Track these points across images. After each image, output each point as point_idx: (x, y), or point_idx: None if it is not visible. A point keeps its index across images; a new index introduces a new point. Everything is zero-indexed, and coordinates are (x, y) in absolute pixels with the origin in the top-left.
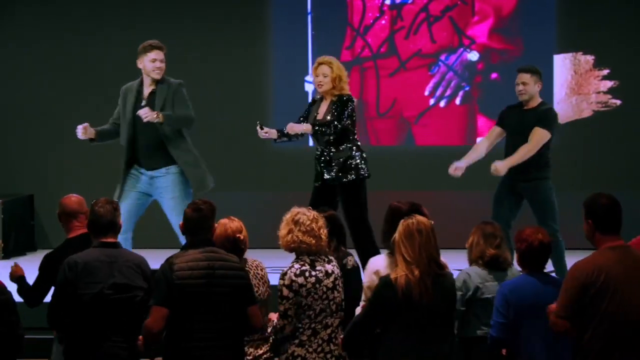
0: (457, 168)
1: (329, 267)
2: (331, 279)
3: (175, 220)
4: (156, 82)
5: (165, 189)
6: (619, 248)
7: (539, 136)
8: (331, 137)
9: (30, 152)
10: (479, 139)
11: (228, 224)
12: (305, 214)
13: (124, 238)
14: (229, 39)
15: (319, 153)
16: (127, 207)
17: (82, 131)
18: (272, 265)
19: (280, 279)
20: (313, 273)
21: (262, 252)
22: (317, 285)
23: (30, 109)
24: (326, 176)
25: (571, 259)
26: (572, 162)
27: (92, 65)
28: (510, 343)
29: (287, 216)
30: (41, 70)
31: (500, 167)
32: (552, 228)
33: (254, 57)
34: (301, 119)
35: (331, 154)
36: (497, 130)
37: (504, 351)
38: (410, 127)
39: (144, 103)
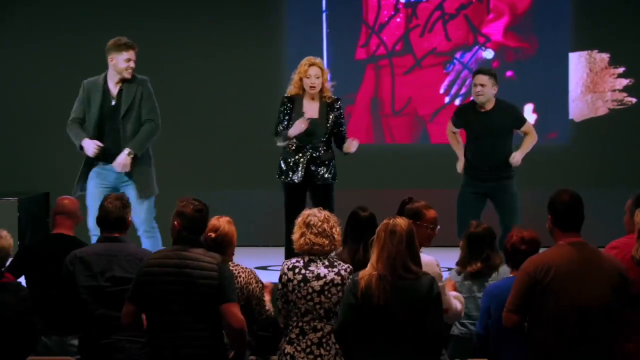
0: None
1: (322, 271)
2: (320, 282)
3: (141, 210)
4: (123, 79)
5: (127, 181)
6: (574, 244)
7: (531, 127)
8: (326, 138)
9: (46, 151)
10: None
11: (210, 221)
12: (316, 215)
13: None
14: (243, 38)
15: (305, 151)
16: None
17: (94, 148)
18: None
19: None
20: (302, 271)
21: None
22: (302, 285)
23: (45, 107)
24: (326, 175)
25: None
26: (587, 159)
27: (105, 64)
28: (492, 344)
29: (299, 219)
30: (56, 68)
31: (519, 157)
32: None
33: (269, 56)
34: (286, 117)
35: (321, 153)
36: (454, 129)
37: None
38: (425, 125)
39: (113, 102)
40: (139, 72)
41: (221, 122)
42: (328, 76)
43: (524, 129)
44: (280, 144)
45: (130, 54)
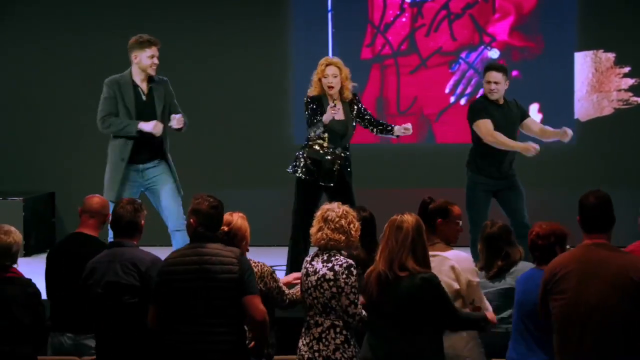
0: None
1: (319, 266)
2: (315, 277)
3: (173, 206)
4: (149, 77)
5: (161, 177)
6: (592, 246)
7: None
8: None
9: (51, 150)
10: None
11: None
12: (334, 211)
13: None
14: (249, 37)
15: (339, 153)
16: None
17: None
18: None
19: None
20: (307, 266)
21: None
22: (305, 278)
23: (50, 107)
24: (347, 178)
25: None
26: (593, 159)
27: (113, 63)
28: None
29: (318, 213)
30: (63, 68)
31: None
32: (528, 225)
33: (274, 55)
34: (318, 111)
35: (347, 154)
36: (490, 122)
37: None
38: (431, 125)
39: (144, 98)
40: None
41: (225, 122)
42: (349, 74)
43: (529, 120)
44: (313, 133)
45: (153, 50)
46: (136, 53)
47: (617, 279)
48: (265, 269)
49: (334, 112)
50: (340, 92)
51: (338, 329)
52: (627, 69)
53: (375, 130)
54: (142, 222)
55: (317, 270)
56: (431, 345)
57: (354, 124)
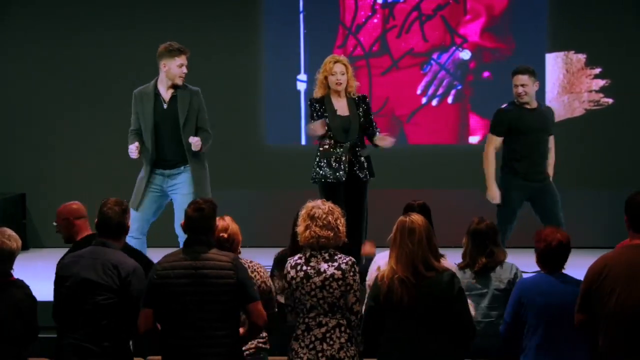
0: (496, 198)
1: (323, 266)
2: (321, 277)
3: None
4: (175, 86)
5: (181, 186)
6: (636, 246)
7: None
8: (360, 133)
9: (23, 152)
10: (471, 139)
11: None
12: (320, 208)
13: (140, 242)
14: (221, 38)
15: (347, 150)
16: (147, 211)
17: (136, 151)
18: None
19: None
20: (304, 268)
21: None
22: (305, 281)
23: (23, 109)
24: (361, 174)
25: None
26: (564, 161)
27: (85, 66)
28: (521, 339)
29: (302, 212)
30: (35, 70)
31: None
32: (563, 224)
33: (246, 56)
34: (318, 116)
35: (358, 151)
36: (499, 140)
37: None
38: (403, 126)
39: (165, 106)
40: (123, 74)
41: None
42: (352, 73)
43: (551, 137)
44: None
45: (182, 59)
46: (165, 61)
47: None
48: (264, 272)
49: (317, 132)
50: (346, 89)
51: (343, 328)
52: (598, 70)
53: (368, 137)
54: (128, 223)
55: (323, 270)
56: (454, 345)
57: (361, 120)
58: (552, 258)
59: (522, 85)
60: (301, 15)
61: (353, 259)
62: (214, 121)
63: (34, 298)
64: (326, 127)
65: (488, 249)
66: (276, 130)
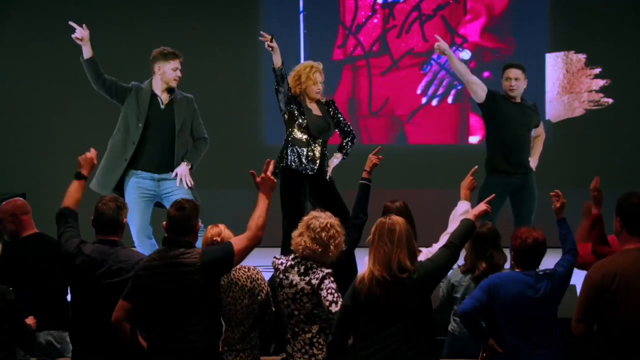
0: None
1: (295, 279)
2: (292, 290)
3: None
4: (170, 90)
5: (178, 191)
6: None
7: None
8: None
9: (23, 151)
10: (471, 139)
11: (209, 230)
12: (319, 220)
13: (148, 245)
14: (221, 38)
15: (317, 146)
16: (145, 216)
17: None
18: (263, 264)
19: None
20: (281, 276)
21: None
22: (279, 289)
23: (22, 108)
24: (329, 174)
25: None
26: (564, 160)
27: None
28: (495, 336)
29: (305, 218)
30: (34, 69)
31: (534, 164)
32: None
33: (246, 56)
34: (301, 120)
35: (327, 151)
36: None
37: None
38: (403, 126)
39: (162, 106)
40: (120, 73)
41: None
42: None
43: (539, 128)
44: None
45: (176, 63)
46: (160, 64)
47: None
48: (264, 282)
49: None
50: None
51: (327, 331)
52: (597, 70)
53: (341, 136)
54: (125, 220)
55: (294, 283)
56: (430, 345)
57: (334, 121)
58: (527, 256)
59: (516, 79)
60: (301, 15)
61: (327, 272)
62: (213, 121)
63: (13, 303)
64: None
65: (488, 253)
66: (276, 130)
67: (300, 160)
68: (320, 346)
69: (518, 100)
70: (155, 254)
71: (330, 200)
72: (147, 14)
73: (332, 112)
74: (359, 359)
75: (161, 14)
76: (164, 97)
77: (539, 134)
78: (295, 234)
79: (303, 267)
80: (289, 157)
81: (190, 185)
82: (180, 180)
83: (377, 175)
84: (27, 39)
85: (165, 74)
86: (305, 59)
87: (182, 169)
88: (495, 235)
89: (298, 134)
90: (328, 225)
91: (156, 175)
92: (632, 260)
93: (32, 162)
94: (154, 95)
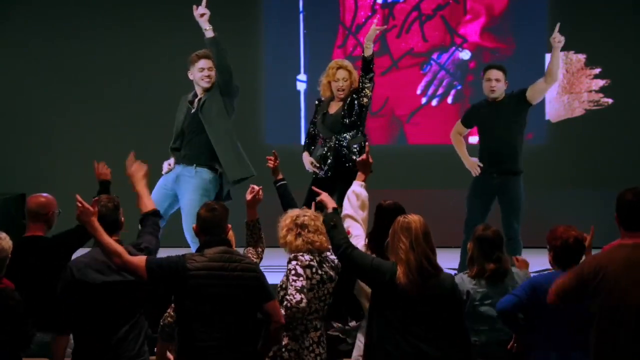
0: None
1: (333, 274)
2: (333, 284)
3: (186, 221)
4: (206, 90)
5: (187, 186)
6: (632, 246)
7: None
8: (347, 121)
9: (22, 151)
10: (470, 139)
11: None
12: (306, 215)
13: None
14: (221, 38)
15: (330, 143)
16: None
17: (168, 167)
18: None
19: (292, 261)
20: (320, 272)
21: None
22: (320, 285)
23: (22, 108)
24: (348, 164)
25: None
26: (564, 160)
27: (85, 66)
28: (529, 337)
29: (287, 221)
30: (34, 70)
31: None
32: (512, 225)
33: (246, 56)
34: (315, 120)
35: (348, 141)
36: (461, 127)
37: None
38: (402, 126)
39: (192, 111)
40: (121, 74)
41: None
42: (357, 76)
43: (536, 84)
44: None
45: (203, 63)
46: (190, 70)
47: None
48: None
49: (311, 168)
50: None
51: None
52: (597, 70)
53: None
54: (122, 218)
55: (332, 277)
56: (462, 345)
57: (345, 119)
58: (568, 255)
59: (496, 80)
60: (301, 15)
61: (339, 264)
62: None
63: (20, 304)
64: (314, 165)
65: (495, 256)
66: (276, 130)
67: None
68: (324, 345)
69: (499, 99)
70: (211, 253)
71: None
72: (147, 14)
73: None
74: (386, 355)
75: (161, 14)
76: (195, 101)
77: (538, 83)
78: (289, 239)
79: (330, 261)
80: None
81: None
82: None
83: (376, 175)
84: (27, 39)
85: (195, 76)
86: (305, 59)
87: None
88: (500, 238)
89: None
90: (315, 215)
91: (178, 168)
92: (620, 255)
93: (31, 162)
94: (190, 102)
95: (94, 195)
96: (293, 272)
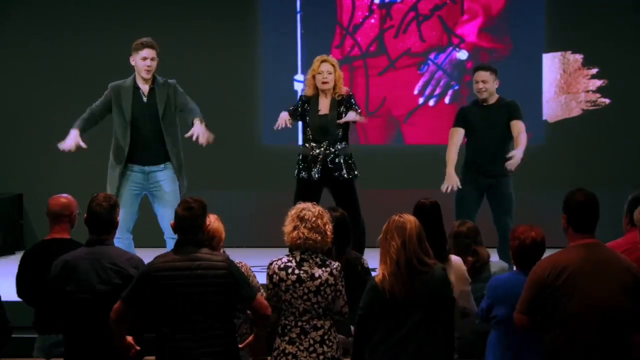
0: (454, 183)
1: (318, 271)
2: (316, 282)
3: (169, 214)
4: (152, 79)
5: (165, 183)
6: (588, 246)
7: (523, 126)
8: (340, 133)
9: (20, 152)
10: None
11: None
12: (311, 210)
13: (126, 239)
14: (219, 39)
15: (322, 149)
16: (130, 209)
17: (73, 143)
18: (260, 264)
19: (267, 267)
20: (296, 271)
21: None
22: (297, 285)
23: (20, 108)
24: (344, 171)
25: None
26: (561, 160)
27: (84, 66)
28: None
29: (292, 212)
30: (34, 69)
31: (518, 157)
32: (507, 225)
33: (244, 56)
34: (297, 113)
35: (338, 149)
36: (460, 131)
37: None
38: (400, 126)
39: (145, 100)
40: (119, 73)
41: None
42: (342, 75)
43: (513, 122)
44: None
45: (147, 52)
46: (133, 56)
47: (624, 277)
48: (249, 270)
49: (282, 123)
50: (334, 89)
51: (334, 329)
52: (594, 70)
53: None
54: (117, 218)
55: (317, 275)
56: (448, 345)
57: (340, 120)
58: (525, 256)
59: (483, 82)
60: (298, 16)
61: (340, 265)
62: (211, 121)
63: None
64: (288, 123)
65: (471, 249)
66: (273, 130)
67: (303, 167)
68: (330, 343)
69: (491, 101)
70: (171, 255)
71: None
72: (147, 14)
73: (342, 108)
74: (381, 356)
75: (161, 14)
76: (144, 89)
77: (517, 130)
78: (287, 229)
79: (318, 259)
80: (299, 167)
81: (210, 141)
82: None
83: (374, 175)
84: (27, 39)
85: (137, 65)
86: (302, 59)
87: (197, 127)
88: (474, 232)
89: (306, 143)
90: (320, 212)
91: (146, 169)
92: (579, 256)
93: (31, 162)
94: (136, 90)
95: (88, 195)
96: (267, 279)
